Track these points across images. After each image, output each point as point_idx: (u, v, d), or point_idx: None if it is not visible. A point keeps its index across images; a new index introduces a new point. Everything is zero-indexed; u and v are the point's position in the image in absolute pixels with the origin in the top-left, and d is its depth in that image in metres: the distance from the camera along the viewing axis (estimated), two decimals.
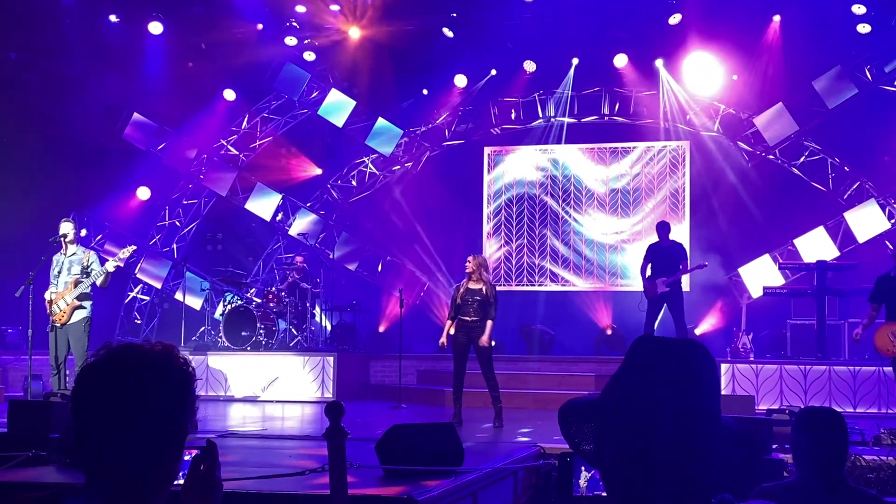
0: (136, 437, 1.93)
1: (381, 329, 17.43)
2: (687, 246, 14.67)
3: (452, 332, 10.75)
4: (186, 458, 3.18)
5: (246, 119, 18.01)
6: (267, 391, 14.02)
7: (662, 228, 13.60)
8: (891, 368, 10.68)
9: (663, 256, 13.40)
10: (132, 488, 1.95)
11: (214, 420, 11.27)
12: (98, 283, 10.65)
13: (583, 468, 4.07)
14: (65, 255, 10.68)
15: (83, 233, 16.25)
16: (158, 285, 17.81)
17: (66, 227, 10.68)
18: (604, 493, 4.08)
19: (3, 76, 16.42)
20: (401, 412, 12.38)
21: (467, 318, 10.60)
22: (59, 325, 10.52)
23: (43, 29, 15.88)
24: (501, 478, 7.58)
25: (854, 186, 15.76)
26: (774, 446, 7.79)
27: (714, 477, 1.80)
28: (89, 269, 10.58)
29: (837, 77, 15.43)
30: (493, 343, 10.89)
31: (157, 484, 1.99)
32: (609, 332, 16.36)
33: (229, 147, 18.05)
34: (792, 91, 15.75)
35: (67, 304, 10.50)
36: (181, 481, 2.50)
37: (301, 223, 17.82)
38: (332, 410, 5.16)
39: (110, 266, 10.63)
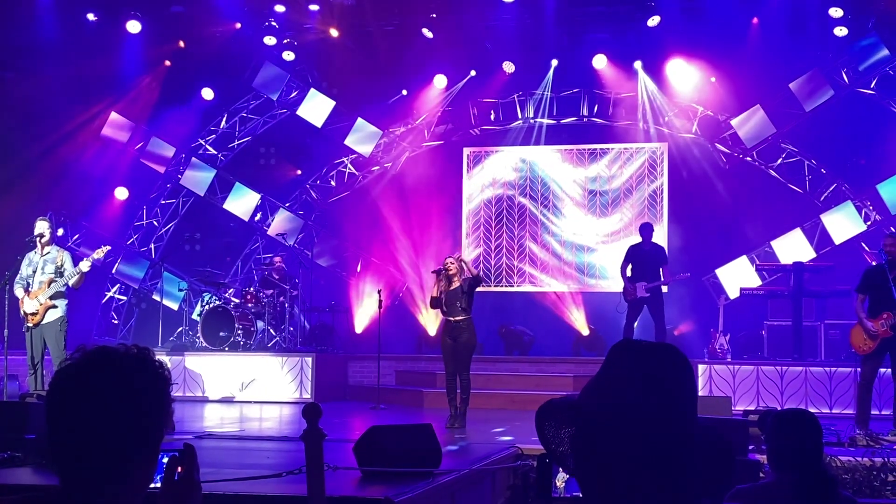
0: (110, 440, 1.92)
1: (360, 330, 17.40)
2: (665, 247, 14.73)
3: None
4: (165, 460, 3.16)
5: (224, 118, 17.93)
6: (244, 391, 13.96)
7: (646, 230, 13.69)
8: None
9: (644, 258, 13.48)
10: (107, 492, 1.93)
11: (192, 421, 11.22)
12: (71, 283, 10.58)
13: (561, 469, 4.07)
14: (39, 254, 10.62)
15: (60, 232, 16.14)
16: (136, 285, 17.71)
17: (42, 226, 10.61)
18: (580, 495, 4.09)
19: None
20: (379, 413, 12.36)
21: (452, 319, 10.66)
22: (31, 325, 10.47)
23: (21, 27, 15.77)
24: (479, 479, 7.59)
25: (831, 188, 15.84)
26: (751, 447, 7.83)
27: (690, 481, 1.81)
28: (62, 269, 10.51)
29: (814, 79, 15.52)
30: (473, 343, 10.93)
31: (133, 487, 1.98)
32: (587, 332, 16.38)
33: (208, 146, 17.97)
34: (769, 93, 15.83)
35: (41, 304, 10.44)
36: (158, 484, 2.49)
37: (280, 223, 17.76)
38: (309, 412, 5.15)
39: (84, 266, 10.56)
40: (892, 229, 14.59)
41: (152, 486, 2.13)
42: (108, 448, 1.92)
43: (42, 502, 1.97)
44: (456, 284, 10.68)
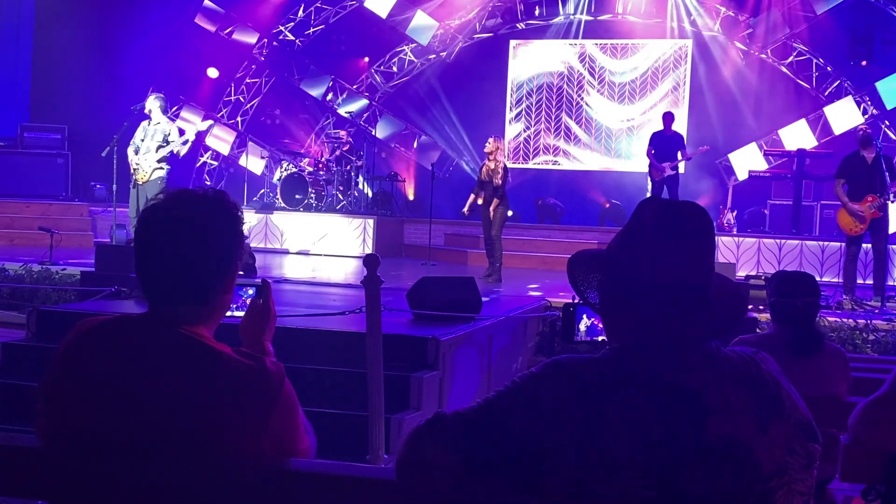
0: (190, 269, 1.86)
1: (413, 197, 17.35)
2: (685, 132, 14.42)
3: (479, 202, 10.73)
4: (249, 292, 3.12)
5: (301, 8, 17.53)
6: (317, 245, 14.08)
7: (667, 118, 13.32)
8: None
9: (665, 144, 13.13)
10: (187, 315, 1.89)
11: (272, 268, 11.36)
12: (178, 151, 10.67)
13: (584, 315, 4.01)
14: (150, 123, 10.65)
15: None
16: (225, 152, 17.72)
17: (154, 100, 10.65)
18: (600, 338, 4.03)
19: None
20: (429, 268, 12.40)
21: (486, 193, 10.61)
22: (141, 183, 10.55)
23: None
24: (513, 325, 7.62)
25: (834, 85, 15.32)
26: (750, 307, 7.75)
27: (706, 320, 1.71)
28: (169, 138, 10.57)
29: None
30: (510, 213, 10.85)
31: (211, 312, 1.92)
32: (607, 205, 16.19)
33: (287, 33, 17.66)
34: None
35: (150, 166, 10.51)
36: (237, 313, 2.45)
37: (348, 103, 17.60)
38: (369, 261, 5.13)
39: (190, 135, 10.65)
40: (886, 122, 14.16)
41: (230, 314, 2.09)
42: (188, 275, 1.87)
43: (131, 322, 1.93)
44: (492, 164, 10.53)
